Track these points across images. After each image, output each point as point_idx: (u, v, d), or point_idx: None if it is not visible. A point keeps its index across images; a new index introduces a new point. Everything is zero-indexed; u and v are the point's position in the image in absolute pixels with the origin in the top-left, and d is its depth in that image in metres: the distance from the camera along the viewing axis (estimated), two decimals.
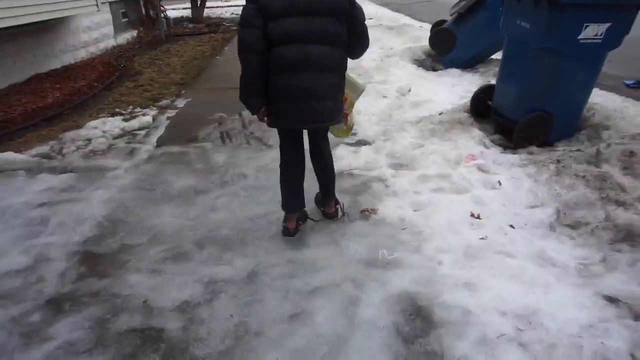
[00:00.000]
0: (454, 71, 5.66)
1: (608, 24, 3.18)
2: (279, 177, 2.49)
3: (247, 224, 2.69)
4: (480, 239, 2.42)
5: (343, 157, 3.45)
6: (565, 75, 3.36)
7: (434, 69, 5.92)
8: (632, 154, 3.04)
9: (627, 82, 5.20)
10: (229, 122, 4.40)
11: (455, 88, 4.96)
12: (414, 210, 2.71)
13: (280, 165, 2.46)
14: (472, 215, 2.62)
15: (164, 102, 5.19)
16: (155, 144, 3.99)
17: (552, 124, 3.52)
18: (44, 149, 3.88)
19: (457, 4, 5.92)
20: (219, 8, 16.89)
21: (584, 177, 2.86)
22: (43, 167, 3.54)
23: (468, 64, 5.78)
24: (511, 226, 2.54)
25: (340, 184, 3.01)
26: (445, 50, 5.91)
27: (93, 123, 4.38)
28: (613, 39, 3.25)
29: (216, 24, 12.42)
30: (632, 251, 2.23)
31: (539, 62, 3.37)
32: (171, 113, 4.83)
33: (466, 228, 2.52)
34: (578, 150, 3.35)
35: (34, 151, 3.82)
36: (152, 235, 2.59)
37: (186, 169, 3.46)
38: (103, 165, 3.57)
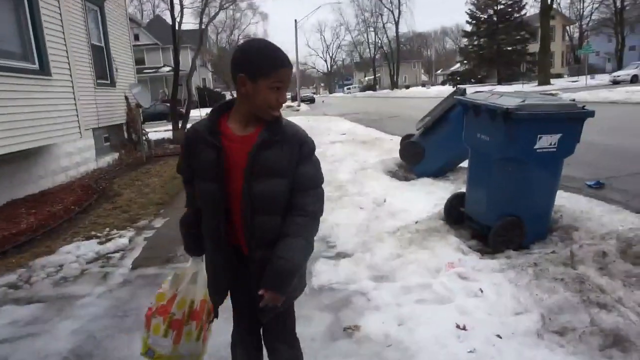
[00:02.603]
0: (426, 180, 5.92)
1: (559, 135, 3.46)
2: None
3: (225, 352, 2.53)
4: (469, 352, 2.32)
5: (323, 271, 3.42)
6: (528, 181, 3.56)
7: (407, 179, 6.18)
8: (604, 254, 3.11)
9: (589, 183, 5.50)
10: None
11: (429, 196, 5.14)
12: (398, 325, 2.62)
13: None
14: (458, 326, 2.55)
15: (141, 223, 5.18)
16: (130, 266, 3.89)
17: (524, 228, 3.63)
18: (11, 278, 3.73)
19: (422, 119, 6.41)
20: None
21: (562, 280, 2.87)
22: (8, 298, 3.37)
23: (438, 173, 6.08)
24: (498, 336, 2.46)
25: (321, 300, 2.93)
26: (414, 161, 6.25)
27: (66, 248, 4.29)
28: (566, 148, 3.51)
29: None
30: (622, 357, 2.17)
31: (502, 170, 3.58)
32: (148, 234, 4.80)
33: (453, 341, 2.43)
34: (553, 252, 3.41)
35: None
36: None
37: None
38: (74, 292, 3.42)
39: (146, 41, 40.71)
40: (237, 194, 1.52)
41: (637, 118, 12.29)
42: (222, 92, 47.10)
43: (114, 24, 11.16)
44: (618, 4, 45.75)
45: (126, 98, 11.20)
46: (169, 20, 16.36)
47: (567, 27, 57.75)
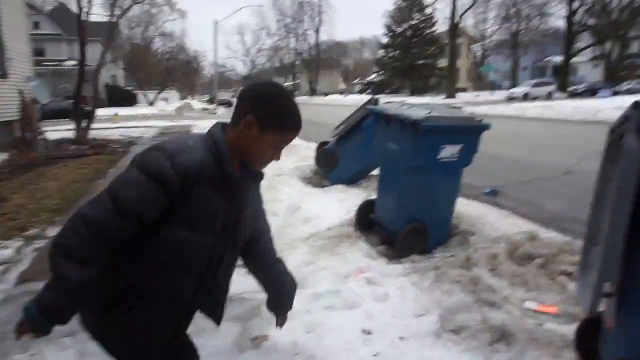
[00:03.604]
0: (340, 187, 6.05)
1: (460, 145, 3.72)
2: None
3: None
4: (374, 355, 2.40)
5: (233, 281, 3.33)
6: (431, 189, 3.78)
7: (321, 186, 6.28)
8: (495, 256, 3.40)
9: (485, 190, 5.98)
10: None
11: (342, 203, 5.26)
12: (307, 332, 2.64)
13: None
14: (364, 331, 2.62)
15: (32, 232, 4.69)
16: (15, 281, 3.50)
17: (427, 233, 3.85)
18: None
19: (338, 127, 6.57)
20: (107, 129, 16.62)
21: (459, 281, 3.09)
22: None
23: (351, 180, 6.25)
24: (401, 338, 2.57)
25: (230, 310, 2.84)
26: (329, 168, 6.39)
27: None
28: (466, 158, 3.78)
29: (102, 146, 12.11)
30: (507, 350, 2.38)
31: (409, 178, 3.77)
32: (40, 244, 4.35)
33: (360, 346, 2.50)
34: (452, 256, 3.66)
35: None
36: None
37: None
38: None
39: (48, 30, 37.37)
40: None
41: (527, 132, 13.70)
42: (134, 91, 44.71)
43: (8, 8, 10.07)
44: (514, 27, 50.84)
45: (20, 92, 10.16)
46: (74, 9, 15.12)
47: (472, 46, 62.83)
